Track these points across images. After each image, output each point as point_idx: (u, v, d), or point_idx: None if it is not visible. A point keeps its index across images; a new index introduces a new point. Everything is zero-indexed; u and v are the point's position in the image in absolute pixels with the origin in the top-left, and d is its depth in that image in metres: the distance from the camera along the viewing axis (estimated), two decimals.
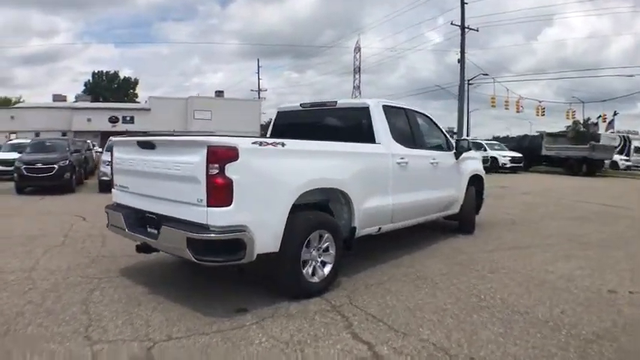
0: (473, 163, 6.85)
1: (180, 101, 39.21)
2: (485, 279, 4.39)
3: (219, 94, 43.92)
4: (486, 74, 30.82)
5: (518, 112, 33.19)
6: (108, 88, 61.39)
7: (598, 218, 8.43)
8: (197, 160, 3.21)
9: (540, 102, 35.59)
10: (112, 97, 57.30)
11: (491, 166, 22.23)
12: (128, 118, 37.31)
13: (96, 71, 63.25)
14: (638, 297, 3.89)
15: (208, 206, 3.19)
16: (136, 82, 66.23)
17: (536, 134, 27.14)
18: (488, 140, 27.91)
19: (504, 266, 4.83)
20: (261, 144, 3.41)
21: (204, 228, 3.23)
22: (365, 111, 4.83)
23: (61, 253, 5.18)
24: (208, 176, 3.17)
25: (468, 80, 31.18)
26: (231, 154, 3.19)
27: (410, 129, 5.39)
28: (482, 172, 7.11)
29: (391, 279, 4.37)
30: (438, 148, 5.98)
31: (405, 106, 5.62)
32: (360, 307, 3.61)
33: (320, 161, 3.90)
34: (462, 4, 28.28)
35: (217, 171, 3.15)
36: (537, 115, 34.94)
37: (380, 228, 4.76)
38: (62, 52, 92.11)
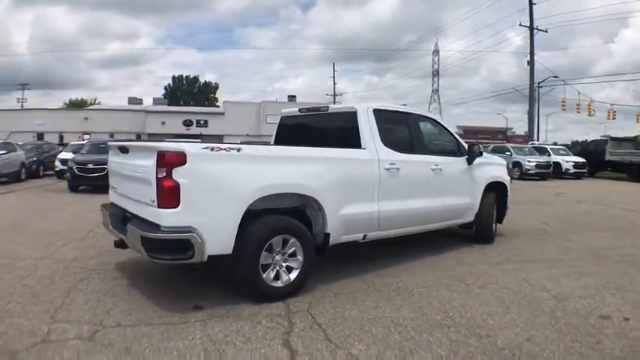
0: (492, 169, 6.41)
1: (253, 105, 41.01)
2: (469, 294, 4.09)
3: (292, 98, 45.28)
4: (556, 76, 29.72)
5: (590, 115, 31.21)
6: (188, 92, 65.21)
7: None
8: (150, 164, 3.42)
9: (612, 105, 33.54)
10: (192, 100, 61.28)
11: (555, 171, 21.15)
12: (202, 122, 39.83)
13: (176, 75, 67.32)
14: (630, 325, 3.38)
15: (158, 207, 3.38)
16: (216, 87, 70.00)
17: (602, 138, 25.02)
18: (554, 145, 26.27)
19: (499, 281, 4.47)
20: (212, 149, 3.52)
21: (156, 227, 3.42)
22: (352, 116, 4.75)
23: (77, 246, 5.73)
24: (157, 179, 3.36)
25: (539, 83, 29.65)
26: (178, 159, 3.34)
27: (408, 134, 5.20)
28: (504, 179, 6.62)
29: (368, 288, 4.25)
30: (446, 153, 5.70)
31: (406, 110, 5.44)
32: (313, 314, 3.57)
33: (282, 167, 3.91)
34: (530, 4, 27.10)
35: (165, 174, 3.33)
36: (609, 119, 32.60)
37: (365, 235, 4.64)
38: (145, 56, 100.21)
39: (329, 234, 4.22)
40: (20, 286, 4.05)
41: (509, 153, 21.76)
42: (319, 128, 5.34)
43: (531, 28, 27.96)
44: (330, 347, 3.00)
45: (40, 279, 4.27)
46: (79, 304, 3.66)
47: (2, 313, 3.43)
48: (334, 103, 53.21)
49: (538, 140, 29.22)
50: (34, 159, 17.31)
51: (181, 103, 57.39)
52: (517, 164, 20.90)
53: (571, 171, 21.77)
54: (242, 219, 3.67)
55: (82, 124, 37.06)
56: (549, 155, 22.35)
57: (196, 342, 3.04)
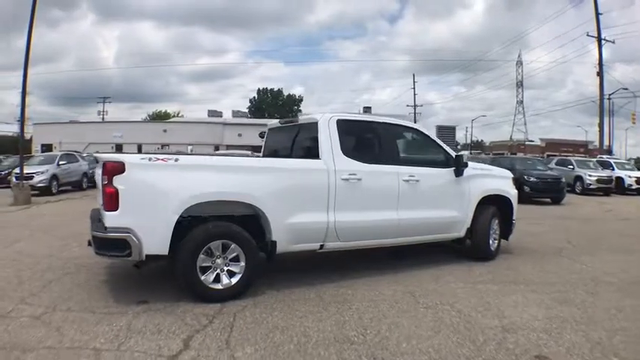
0: (489, 181, 6.04)
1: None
2: (406, 314, 3.92)
3: (367, 109, 45.67)
4: (626, 89, 27.93)
5: None
6: (272, 104, 68.37)
7: None
8: (100, 172, 3.90)
9: None
10: (277, 113, 64.23)
11: (617, 187, 19.56)
12: None
13: (261, 88, 71.09)
14: None
15: (104, 210, 3.83)
16: (300, 99, 72.70)
17: None
18: (621, 160, 24.69)
19: (456, 303, 4.21)
20: (150, 159, 3.92)
21: (104, 228, 3.87)
22: (314, 127, 4.86)
23: (87, 247, 6.44)
24: (103, 185, 3.83)
25: (609, 95, 28.08)
26: (118, 168, 3.78)
27: (377, 144, 5.15)
28: (507, 192, 6.19)
29: (314, 298, 4.29)
30: (427, 164, 5.52)
31: (378, 120, 5.39)
32: (237, 317, 3.74)
33: (220, 176, 4.17)
34: (597, 15, 25.35)
35: (107, 181, 3.79)
36: None
37: (322, 245, 4.71)
38: (234, 70, 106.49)
39: (275, 242, 4.37)
40: (13, 277, 4.78)
41: (571, 167, 20.12)
42: (292, 139, 5.50)
43: (599, 39, 27.75)
44: (221, 348, 3.17)
45: (34, 272, 4.98)
46: (51, 292, 4.28)
47: None
48: (414, 113, 52.59)
49: (612, 153, 27.02)
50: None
51: (266, 115, 60.21)
52: (578, 178, 19.30)
53: (633, 187, 20.07)
54: (186, 223, 4.02)
55: (160, 136, 38.82)
56: (613, 169, 20.38)
57: (115, 329, 3.42)
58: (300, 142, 5.29)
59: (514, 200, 6.31)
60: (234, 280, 4.18)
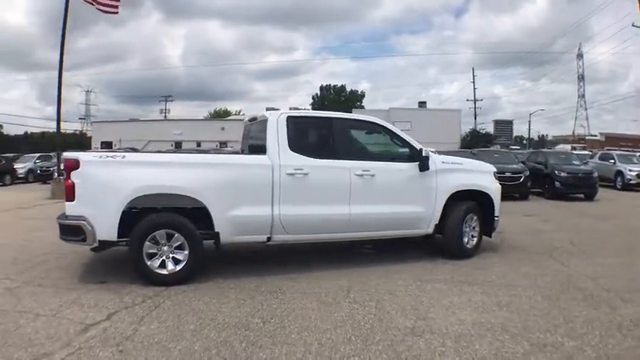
0: (463, 176, 5.83)
1: (381, 113, 41.31)
2: (323, 308, 3.97)
3: (422, 104, 44.41)
4: None
5: None
6: (336, 100, 68.59)
7: None
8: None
9: None
10: (339, 109, 64.62)
11: None
12: None
13: (324, 85, 71.76)
14: None
15: (65, 201, 4.43)
16: (362, 95, 72.54)
17: None
18: None
19: (386, 301, 4.16)
20: (101, 157, 4.43)
21: (65, 216, 4.46)
22: (264, 124, 5.10)
23: None
24: (65, 179, 4.42)
25: None
26: (74, 164, 4.35)
27: (329, 139, 5.25)
28: (485, 188, 5.92)
29: (249, 289, 4.46)
30: (387, 158, 5.54)
31: (331, 116, 5.48)
32: (166, 300, 4.10)
33: (163, 170, 4.57)
34: None
35: (66, 176, 4.37)
36: None
37: (269, 237, 4.95)
38: (302, 67, 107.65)
39: (218, 233, 4.69)
40: (12, 259, 5.53)
41: (612, 161, 18.45)
42: (254, 135, 5.74)
43: None
44: (133, 322, 3.57)
45: (33, 256, 5.67)
46: (33, 271, 4.98)
47: None
48: (475, 108, 50.59)
49: None
50: None
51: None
52: (619, 173, 17.68)
53: None
54: (136, 214, 4.50)
55: (218, 134, 39.51)
56: None
57: (62, 301, 4.01)
58: (256, 139, 5.52)
59: (495, 196, 6.01)
60: (178, 267, 4.57)
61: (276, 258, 5.75)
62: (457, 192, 5.72)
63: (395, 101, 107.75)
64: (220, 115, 64.44)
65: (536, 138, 62.84)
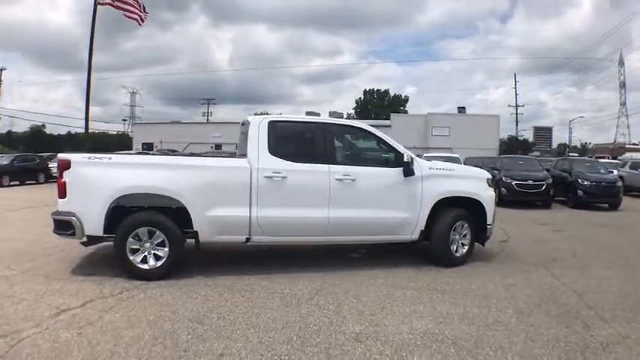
0: (451, 182, 5.71)
1: (420, 118, 40.90)
2: (282, 309, 4.07)
3: (461, 110, 43.39)
4: None
5: None
6: (378, 105, 68.49)
7: None
8: None
9: None
10: (382, 113, 64.22)
11: None
12: None
13: (367, 89, 71.61)
14: None
15: (57, 198, 4.82)
16: (406, 99, 71.87)
17: None
18: None
19: (348, 305, 4.19)
20: (90, 158, 4.78)
21: (57, 212, 4.85)
22: (248, 127, 5.28)
23: None
24: (58, 178, 4.80)
25: None
26: (66, 164, 4.73)
27: (310, 144, 5.34)
28: (476, 195, 5.76)
29: (224, 286, 4.63)
30: (371, 163, 5.55)
31: (314, 120, 5.59)
32: (139, 294, 4.34)
33: (145, 172, 4.85)
34: None
35: (59, 175, 4.75)
36: None
37: (248, 238, 5.10)
38: (348, 71, 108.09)
39: (197, 232, 4.90)
40: (19, 251, 5.98)
41: None
42: (243, 138, 5.90)
43: None
44: (102, 310, 3.87)
45: (40, 249, 6.05)
46: (33, 262, 5.39)
47: None
48: (516, 114, 48.94)
49: None
50: None
51: (372, 116, 60.56)
52: None
53: None
54: (122, 211, 4.80)
55: None
56: None
57: (48, 289, 4.39)
58: (243, 142, 5.71)
59: (487, 203, 5.81)
60: (159, 263, 4.82)
61: (264, 259, 5.89)
62: (447, 198, 5.62)
63: (439, 106, 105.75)
64: None
65: (579, 146, 60.25)
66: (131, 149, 38.10)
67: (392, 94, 70.98)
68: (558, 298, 4.51)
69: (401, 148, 5.57)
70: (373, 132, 5.69)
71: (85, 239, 4.85)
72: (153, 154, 7.17)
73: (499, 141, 39.40)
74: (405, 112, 65.50)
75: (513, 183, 13.35)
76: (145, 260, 4.83)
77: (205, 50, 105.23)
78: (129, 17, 11.50)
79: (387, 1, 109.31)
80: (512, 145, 44.60)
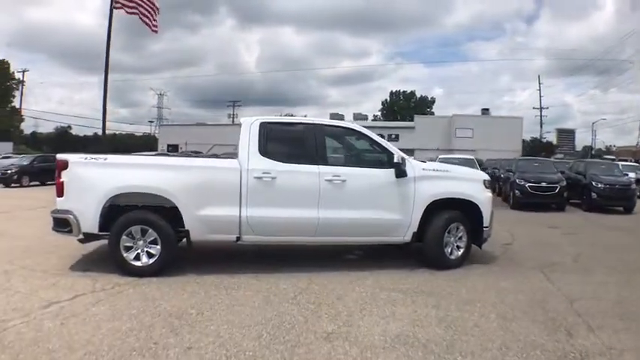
0: (444, 183, 5.65)
1: (444, 119, 40.40)
2: (262, 307, 4.10)
3: (485, 111, 42.54)
4: None
5: None
6: (405, 106, 67.75)
7: None
8: None
9: None
10: (408, 115, 63.58)
11: None
12: (393, 136, 41.33)
13: (393, 90, 70.95)
14: None
15: (56, 196, 5.04)
16: (432, 101, 70.95)
17: None
18: None
19: (327, 305, 4.19)
20: (86, 158, 4.97)
21: (56, 210, 5.07)
22: (239, 128, 5.38)
23: None
24: (56, 178, 5.03)
25: None
26: (64, 165, 4.95)
27: (301, 145, 5.39)
28: (471, 196, 5.67)
29: (210, 284, 4.72)
30: (362, 164, 5.58)
31: (306, 122, 5.62)
32: (128, 289, 4.51)
33: (137, 172, 5.01)
34: None
35: (57, 175, 4.98)
36: None
37: (238, 237, 5.18)
38: (374, 73, 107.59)
39: (188, 230, 5.02)
40: (22, 247, 6.23)
41: None
42: (237, 139, 6.02)
43: None
44: (89, 303, 4.04)
45: (45, 246, 6.14)
46: (35, 259, 5.61)
47: None
48: (540, 116, 47.76)
49: None
50: None
51: (398, 117, 60.05)
52: None
53: None
54: (117, 209, 4.97)
55: None
56: None
57: (43, 283, 4.61)
58: (237, 142, 5.82)
59: (483, 205, 5.70)
60: (151, 260, 4.97)
61: (257, 258, 5.94)
62: (441, 200, 5.55)
63: (466, 108, 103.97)
64: None
65: (603, 148, 57.88)
66: (156, 150, 39.02)
67: (418, 95, 70.16)
68: (548, 303, 4.37)
69: (392, 149, 5.54)
70: (365, 133, 5.69)
71: (81, 236, 5.04)
72: (160, 155, 7.34)
73: (522, 143, 38.63)
74: (432, 113, 64.57)
75: (527, 185, 13.12)
76: (138, 257, 4.99)
77: (232, 52, 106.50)
78: (144, 22, 11.81)
79: (415, 2, 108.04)
80: (536, 147, 43.51)
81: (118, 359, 3.02)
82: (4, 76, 49.68)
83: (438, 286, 4.89)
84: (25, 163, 20.99)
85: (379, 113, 69.21)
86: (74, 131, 61.02)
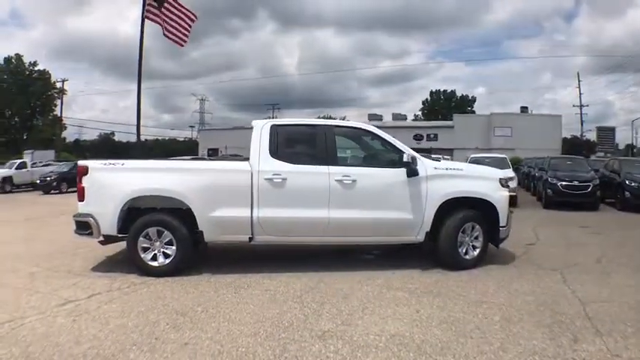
0: (457, 182, 5.51)
1: (483, 118, 39.33)
2: (267, 305, 4.20)
3: (524, 109, 41.06)
4: None
5: None
6: (445, 106, 66.48)
7: None
8: None
9: None
10: (449, 114, 62.13)
11: None
12: (432, 136, 40.60)
13: (434, 90, 69.86)
14: None
15: (78, 201, 5.34)
16: (473, 100, 69.24)
17: None
18: None
19: (330, 304, 4.21)
20: (106, 164, 5.25)
21: (78, 214, 5.37)
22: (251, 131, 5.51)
23: None
24: (77, 183, 5.34)
25: None
26: (84, 170, 5.24)
27: (311, 146, 5.44)
28: (486, 195, 5.50)
29: (220, 284, 4.87)
30: (373, 164, 5.57)
31: (318, 123, 5.65)
32: (143, 288, 4.73)
33: (153, 175, 5.22)
34: None
35: (79, 180, 5.28)
36: None
37: (251, 238, 5.29)
38: (415, 73, 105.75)
39: (202, 231, 5.18)
40: (51, 250, 6.55)
41: None
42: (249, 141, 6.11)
43: None
44: (102, 301, 4.28)
45: (70, 249, 6.48)
46: (61, 260, 5.95)
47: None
48: (581, 114, 45.73)
49: None
50: None
51: (439, 117, 58.97)
52: None
53: None
54: (136, 212, 5.20)
55: None
56: None
57: (65, 283, 4.90)
58: (248, 144, 5.94)
59: (499, 203, 5.51)
60: (167, 260, 5.17)
61: (275, 258, 6.04)
62: (454, 199, 5.43)
63: (507, 106, 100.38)
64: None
65: None
66: (196, 155, 40.23)
67: (459, 94, 68.81)
68: (559, 306, 4.17)
69: (405, 148, 5.49)
70: (375, 132, 5.67)
71: (101, 239, 5.32)
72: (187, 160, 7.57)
73: (562, 141, 37.16)
74: (473, 112, 62.90)
75: (559, 184, 12.59)
76: (154, 258, 5.20)
77: (272, 56, 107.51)
78: (168, 37, 12.14)
79: (454, 1, 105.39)
80: (576, 146, 41.57)
81: (119, 353, 3.18)
82: (45, 86, 51.25)
83: (447, 287, 4.79)
84: (64, 169, 21.72)
85: (420, 113, 68.34)
86: (117, 137, 63.78)
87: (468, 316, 3.92)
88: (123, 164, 5.31)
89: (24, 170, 23.00)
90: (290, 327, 3.68)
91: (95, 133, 67.22)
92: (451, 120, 43.56)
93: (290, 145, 5.47)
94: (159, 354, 3.17)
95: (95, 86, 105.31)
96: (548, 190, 12.76)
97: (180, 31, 12.48)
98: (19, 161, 23.98)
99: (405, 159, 5.25)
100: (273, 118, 60.86)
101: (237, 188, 5.21)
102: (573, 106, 48.45)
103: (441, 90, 69.51)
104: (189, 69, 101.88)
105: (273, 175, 5.20)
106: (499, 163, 13.96)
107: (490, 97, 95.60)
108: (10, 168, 22.86)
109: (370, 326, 3.70)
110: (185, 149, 48.83)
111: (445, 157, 21.13)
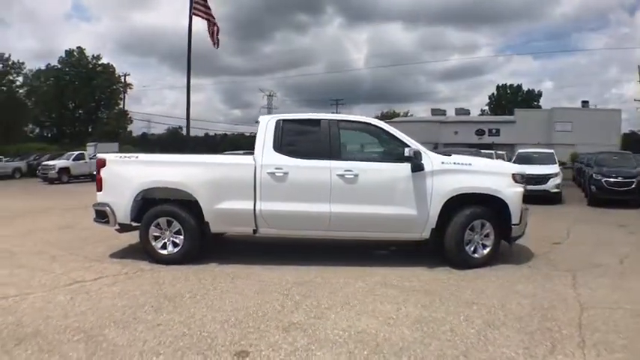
0: (465, 177, 5.27)
1: (544, 113, 37.33)
2: (258, 296, 4.29)
3: (585, 104, 38.22)
4: None
5: None
6: (512, 100, 63.36)
7: None
8: None
9: None
10: (515, 109, 58.87)
11: None
12: (494, 131, 38.74)
13: (500, 84, 66.80)
14: None
15: (96, 191, 5.77)
16: (539, 94, 65.31)
17: None
18: None
19: (313, 298, 4.21)
20: (121, 157, 5.62)
21: (97, 203, 5.79)
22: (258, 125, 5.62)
23: None
24: (96, 175, 5.77)
25: None
26: (102, 163, 5.66)
27: (315, 140, 5.44)
28: (496, 191, 5.21)
29: (221, 274, 5.01)
30: (377, 159, 5.51)
31: (322, 118, 5.58)
32: (147, 274, 4.99)
33: (163, 168, 5.50)
34: None
35: (97, 171, 5.71)
36: None
37: (255, 230, 5.43)
38: (483, 67, 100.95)
39: (208, 223, 5.39)
40: (81, 237, 7.01)
41: None
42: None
43: None
44: (107, 284, 4.60)
45: (99, 237, 6.78)
46: (83, 246, 6.41)
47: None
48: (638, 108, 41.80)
49: None
50: None
51: (506, 112, 56.30)
52: None
53: None
54: (149, 202, 5.55)
55: None
56: None
57: (80, 266, 5.30)
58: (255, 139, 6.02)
59: (511, 200, 5.19)
60: (176, 249, 5.44)
61: (285, 251, 6.16)
62: (462, 195, 5.20)
63: (573, 100, 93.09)
64: (387, 117, 63.78)
65: None
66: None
67: (525, 89, 65.32)
68: (553, 311, 3.83)
69: (412, 142, 5.33)
70: (381, 126, 5.58)
71: (117, 227, 5.72)
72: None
73: (622, 136, 34.45)
74: (539, 107, 59.23)
75: (603, 180, 11.74)
76: (164, 246, 5.49)
77: (340, 51, 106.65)
78: (209, 35, 12.66)
79: None
80: (633, 142, 38.13)
81: (97, 327, 3.45)
82: (109, 80, 50.80)
83: (444, 286, 4.59)
84: None
85: (487, 108, 65.73)
86: (185, 131, 65.98)
87: (448, 317, 3.73)
88: (137, 157, 5.67)
89: (81, 162, 23.80)
90: (262, 317, 3.74)
91: (163, 127, 70.14)
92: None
93: (294, 139, 5.52)
94: (129, 331, 3.38)
95: (161, 81, 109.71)
96: (592, 187, 12.03)
97: (214, 33, 12.97)
98: (76, 153, 24.84)
99: (407, 153, 5.11)
100: (337, 113, 59.78)
101: (242, 182, 5.35)
102: (635, 100, 44.45)
103: (508, 84, 66.54)
104: (259, 65, 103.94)
105: (275, 169, 5.28)
106: (546, 159, 13.14)
107: (556, 91, 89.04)
108: (68, 159, 23.77)
109: (340, 322, 3.65)
110: (247, 145, 50.00)
111: (499, 152, 20.05)
